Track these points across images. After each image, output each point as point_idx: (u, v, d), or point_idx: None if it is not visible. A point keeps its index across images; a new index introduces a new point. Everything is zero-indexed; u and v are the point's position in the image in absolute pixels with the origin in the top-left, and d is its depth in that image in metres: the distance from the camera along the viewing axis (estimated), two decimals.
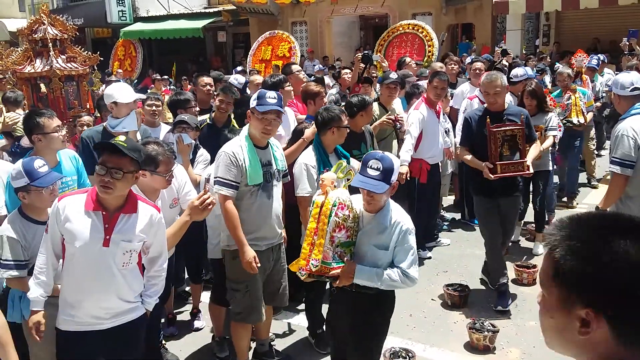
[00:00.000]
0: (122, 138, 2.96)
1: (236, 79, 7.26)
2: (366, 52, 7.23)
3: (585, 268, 1.09)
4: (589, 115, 7.68)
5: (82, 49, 7.03)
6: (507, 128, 4.69)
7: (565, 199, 7.83)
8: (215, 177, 3.70)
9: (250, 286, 3.78)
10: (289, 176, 4.16)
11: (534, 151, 4.92)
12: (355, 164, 4.70)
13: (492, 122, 4.66)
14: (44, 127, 3.81)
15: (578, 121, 7.20)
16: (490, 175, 4.68)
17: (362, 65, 7.28)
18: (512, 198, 5.00)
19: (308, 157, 4.22)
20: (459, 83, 7.90)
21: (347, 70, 7.54)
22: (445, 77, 6.10)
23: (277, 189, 3.88)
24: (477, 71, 7.73)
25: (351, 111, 5.08)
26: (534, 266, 5.50)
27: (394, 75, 6.07)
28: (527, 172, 4.74)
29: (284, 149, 4.75)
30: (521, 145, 4.70)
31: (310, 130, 4.67)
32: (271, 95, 3.75)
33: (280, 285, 4.06)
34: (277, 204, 3.88)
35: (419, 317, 4.87)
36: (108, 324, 2.93)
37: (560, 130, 6.36)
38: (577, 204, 7.78)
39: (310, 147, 4.33)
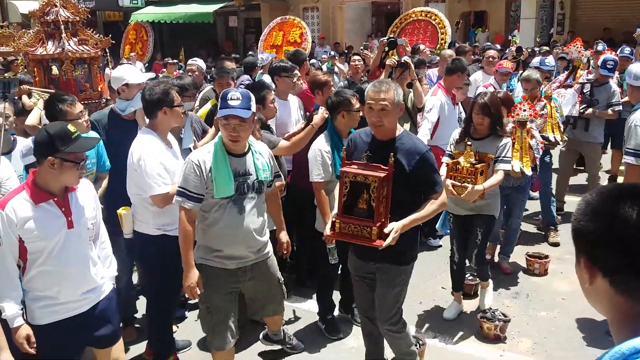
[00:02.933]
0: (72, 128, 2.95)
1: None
2: (392, 37, 7.06)
3: (587, 225, 1.23)
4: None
5: (94, 32, 7.01)
6: (361, 172, 3.02)
7: (543, 232, 6.35)
8: (177, 187, 3.36)
9: (211, 309, 3.44)
10: (282, 177, 3.99)
11: (423, 213, 3.19)
12: None
13: (374, 157, 3.14)
14: (66, 113, 3.79)
15: (554, 138, 5.62)
16: (327, 230, 3.27)
17: (386, 49, 7.08)
18: (390, 270, 3.37)
19: (322, 143, 4.19)
20: (472, 72, 7.82)
21: (357, 57, 7.46)
22: (467, 72, 6.14)
23: (255, 202, 3.41)
24: (491, 59, 7.69)
25: (362, 97, 5.03)
26: (546, 256, 5.46)
27: (405, 59, 6.00)
28: (375, 244, 3.02)
29: (294, 136, 4.75)
30: (375, 201, 2.98)
31: (318, 116, 4.62)
32: (234, 96, 3.23)
33: (269, 298, 3.74)
34: (252, 219, 3.39)
35: (429, 306, 4.85)
36: (86, 306, 3.00)
37: (542, 149, 5.21)
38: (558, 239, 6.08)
39: (325, 132, 4.31)
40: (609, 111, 6.51)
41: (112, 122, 4.41)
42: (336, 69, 10.26)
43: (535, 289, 5.08)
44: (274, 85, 5.44)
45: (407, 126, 5.87)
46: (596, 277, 1.22)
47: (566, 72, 7.09)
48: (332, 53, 13.74)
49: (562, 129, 5.77)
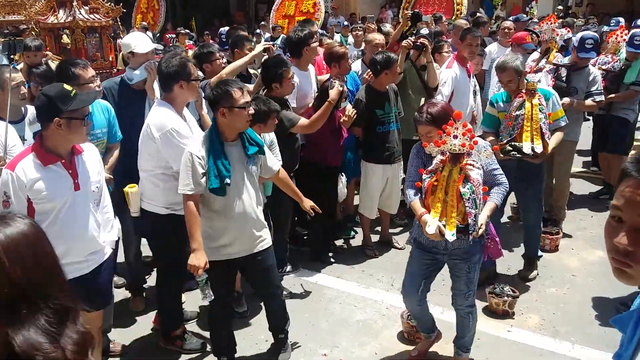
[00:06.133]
0: (69, 88, 2.94)
1: None
2: (416, 11, 6.86)
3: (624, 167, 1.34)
4: (555, 138, 4.38)
5: (105, 1, 6.96)
6: None
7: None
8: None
9: None
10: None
11: None
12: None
13: None
14: (79, 77, 3.74)
15: (532, 149, 4.17)
16: None
17: (409, 24, 6.80)
18: None
19: (195, 146, 3.26)
20: (487, 44, 7.69)
21: (360, 33, 7.45)
22: (479, 33, 5.90)
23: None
24: (507, 30, 7.53)
25: (375, 69, 4.97)
26: (557, 232, 5.42)
27: (424, 31, 5.88)
28: None
29: (309, 110, 4.72)
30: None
31: (334, 91, 4.48)
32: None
33: None
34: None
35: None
36: (89, 268, 3.07)
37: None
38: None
39: (205, 133, 3.42)
40: (589, 101, 5.39)
41: (122, 91, 4.38)
42: (349, 40, 10.14)
43: (545, 265, 5.05)
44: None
45: (422, 100, 5.79)
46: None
47: (537, 55, 5.94)
48: (346, 23, 13.57)
49: (546, 136, 4.24)
